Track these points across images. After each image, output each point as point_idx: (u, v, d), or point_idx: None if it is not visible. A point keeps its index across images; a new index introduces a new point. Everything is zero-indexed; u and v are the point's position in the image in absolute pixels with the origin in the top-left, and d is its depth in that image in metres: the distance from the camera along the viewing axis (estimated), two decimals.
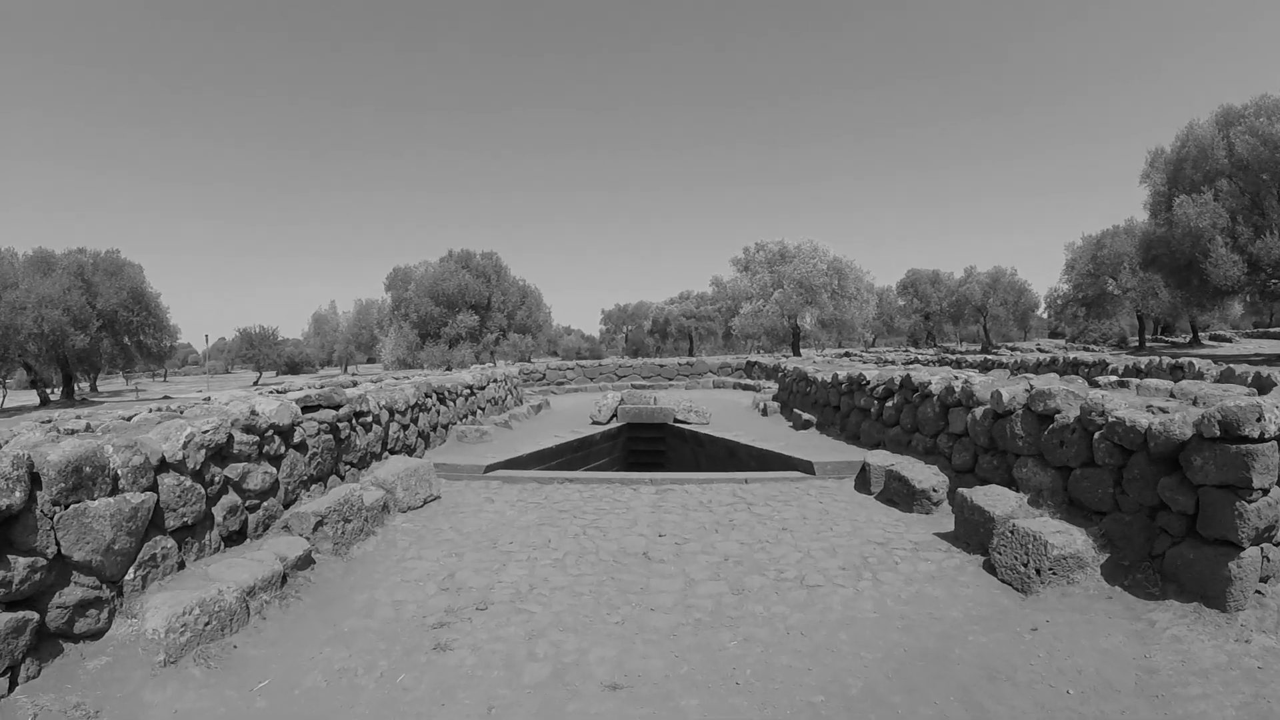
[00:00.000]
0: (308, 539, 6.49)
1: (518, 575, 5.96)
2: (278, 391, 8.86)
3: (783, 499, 8.32)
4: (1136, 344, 44.05)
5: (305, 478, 7.36)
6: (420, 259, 48.07)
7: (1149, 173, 30.50)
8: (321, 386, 8.64)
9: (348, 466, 8.26)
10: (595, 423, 14.85)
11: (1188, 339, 47.16)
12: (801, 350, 40.64)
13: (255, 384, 40.28)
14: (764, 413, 16.09)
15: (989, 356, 25.93)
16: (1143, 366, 16.31)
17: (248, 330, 64.22)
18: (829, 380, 12.80)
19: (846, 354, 41.98)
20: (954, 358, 26.84)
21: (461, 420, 12.63)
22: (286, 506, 7.05)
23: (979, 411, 7.97)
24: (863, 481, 8.98)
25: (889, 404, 10.18)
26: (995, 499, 6.63)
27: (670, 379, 25.57)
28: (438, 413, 11.34)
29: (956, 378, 9.02)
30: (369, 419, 8.68)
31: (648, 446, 16.14)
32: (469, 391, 13.29)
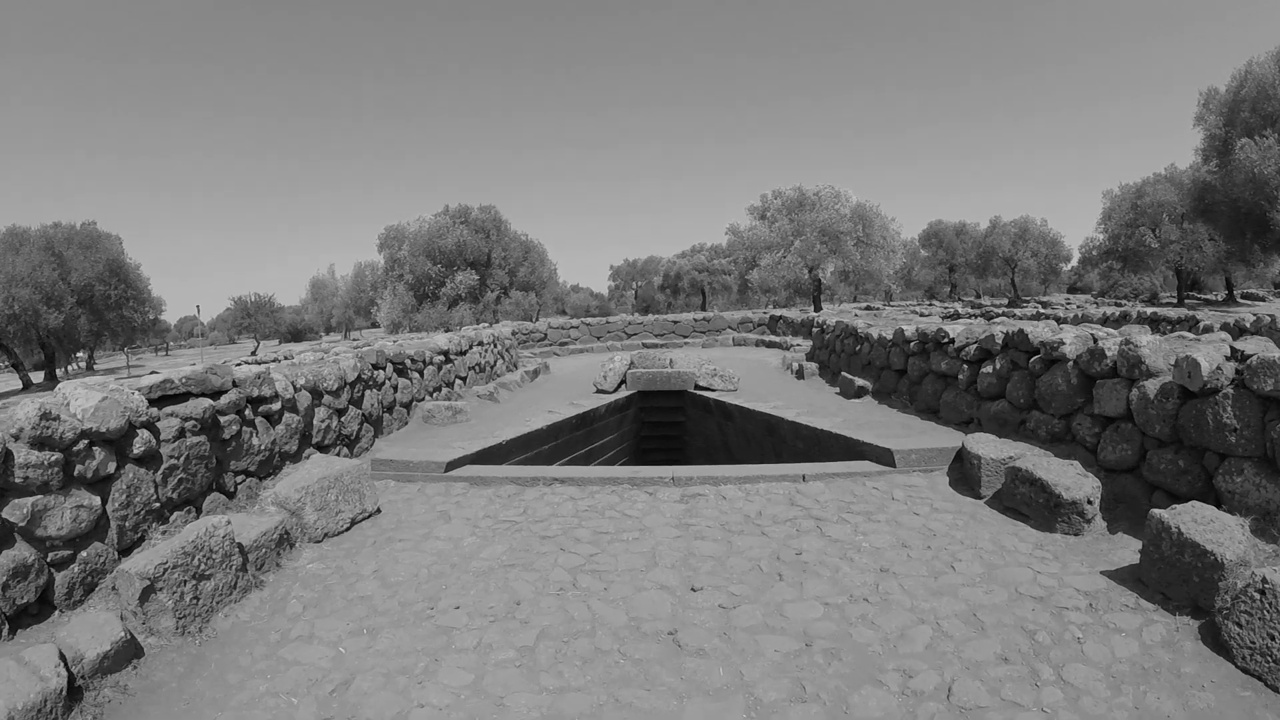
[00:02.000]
0: (134, 613, 4.08)
1: (454, 686, 3.49)
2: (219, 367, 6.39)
3: (863, 509, 5.84)
4: (1174, 300, 40.83)
5: (159, 504, 4.91)
6: (416, 215, 45.00)
7: (1202, 114, 27.63)
8: (268, 362, 6.18)
9: (241, 477, 5.80)
10: (600, 391, 12.34)
11: (1222, 297, 43.79)
12: (822, 305, 37.89)
13: (253, 353, 37.83)
14: (799, 375, 13.55)
15: (1041, 310, 23.21)
16: (1248, 325, 13.61)
17: (243, 299, 61.86)
18: (889, 338, 10.23)
19: (868, 308, 39.23)
20: (1000, 312, 24.16)
21: (433, 394, 10.14)
22: (127, 552, 4.63)
23: (1152, 387, 5.42)
24: (962, 478, 6.51)
25: (987, 369, 7.63)
26: (1214, 530, 4.16)
27: (685, 337, 23.00)
28: (395, 388, 8.83)
29: (1095, 338, 6.46)
30: (275, 407, 6.18)
31: (664, 418, 13.64)
32: (443, 359, 10.75)
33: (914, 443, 7.15)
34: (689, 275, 59.73)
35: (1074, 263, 53.28)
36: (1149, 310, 17.67)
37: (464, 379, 11.61)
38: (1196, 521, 4.26)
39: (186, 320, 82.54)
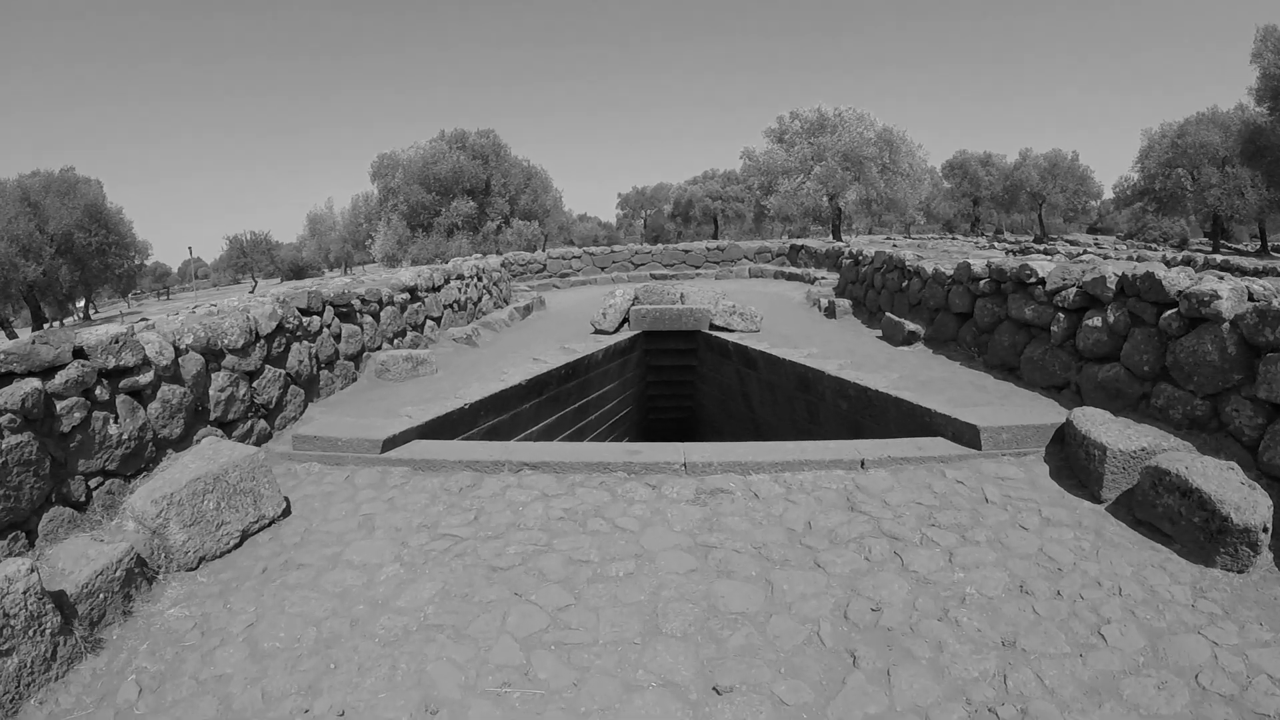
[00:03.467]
0: None
1: None
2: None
3: (952, 521, 4.19)
4: (1209, 247, 38.17)
5: None
6: (411, 142, 42.21)
7: (1260, 51, 25.08)
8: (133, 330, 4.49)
9: (97, 480, 4.16)
10: (599, 332, 10.58)
11: (1255, 248, 40.97)
12: (842, 235, 35.68)
13: (251, 292, 35.86)
14: (829, 313, 11.75)
15: (1088, 251, 21.19)
16: None
17: (238, 238, 59.86)
18: (948, 273, 8.44)
19: (889, 239, 36.95)
20: (1041, 249, 22.14)
21: (394, 341, 8.42)
22: None
23: None
24: (1066, 467, 4.88)
25: (1093, 321, 5.88)
26: None
27: (696, 267, 21.10)
28: (336, 337, 7.12)
29: (1252, 292, 4.70)
30: (145, 379, 4.50)
31: (673, 362, 11.93)
32: (408, 297, 8.98)
33: (1001, 416, 5.44)
34: (701, 203, 57.00)
35: (1102, 199, 50.43)
36: (1218, 257, 15.62)
37: (437, 320, 9.87)
38: None
39: (190, 263, 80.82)
